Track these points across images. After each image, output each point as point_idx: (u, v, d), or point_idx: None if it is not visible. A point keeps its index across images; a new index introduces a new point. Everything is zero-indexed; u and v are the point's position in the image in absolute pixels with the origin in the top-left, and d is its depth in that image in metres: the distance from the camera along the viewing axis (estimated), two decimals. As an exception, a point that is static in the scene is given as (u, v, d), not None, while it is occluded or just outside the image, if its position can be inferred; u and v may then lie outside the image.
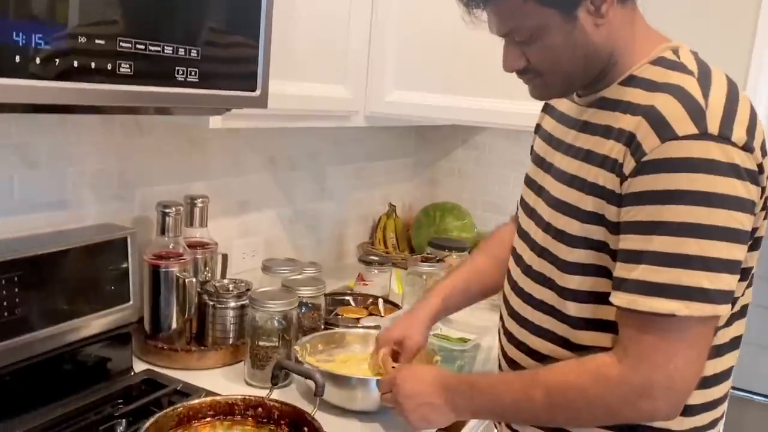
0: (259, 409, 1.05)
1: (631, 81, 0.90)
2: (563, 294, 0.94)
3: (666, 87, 0.85)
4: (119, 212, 1.40)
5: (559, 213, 0.94)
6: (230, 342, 1.41)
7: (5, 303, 1.05)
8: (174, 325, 1.39)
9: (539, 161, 1.05)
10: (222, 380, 1.33)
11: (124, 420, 1.16)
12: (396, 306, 1.67)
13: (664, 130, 0.82)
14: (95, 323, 1.21)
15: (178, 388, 1.23)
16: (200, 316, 1.44)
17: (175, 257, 1.38)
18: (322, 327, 1.46)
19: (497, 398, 0.97)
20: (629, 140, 0.85)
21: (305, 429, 1.00)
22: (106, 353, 1.25)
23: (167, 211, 1.36)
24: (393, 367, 1.15)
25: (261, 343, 1.29)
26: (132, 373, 1.30)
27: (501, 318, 1.11)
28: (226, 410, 1.05)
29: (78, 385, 1.19)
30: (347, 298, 1.70)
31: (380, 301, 1.67)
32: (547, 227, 0.97)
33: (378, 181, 2.33)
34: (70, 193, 1.29)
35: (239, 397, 1.06)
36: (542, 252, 0.97)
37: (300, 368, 1.09)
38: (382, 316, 1.60)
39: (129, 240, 1.26)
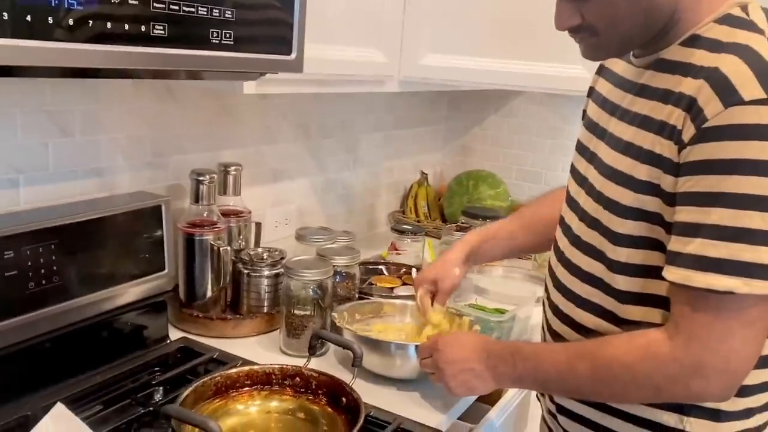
0: (297, 379, 1.04)
1: (694, 41, 0.84)
2: (613, 267, 0.90)
3: (732, 47, 0.79)
4: (153, 180, 1.39)
5: (611, 182, 0.90)
6: (265, 310, 1.40)
7: (43, 271, 1.05)
8: (209, 294, 1.38)
9: (592, 126, 1.00)
10: (257, 349, 1.32)
11: (161, 388, 1.17)
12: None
13: (728, 94, 0.76)
14: (131, 291, 1.21)
15: (215, 356, 1.23)
16: (235, 285, 1.44)
17: (209, 225, 1.36)
18: (357, 296, 1.44)
19: (540, 367, 0.94)
20: (689, 105, 0.80)
21: (343, 399, 0.99)
22: (142, 321, 1.25)
23: (201, 179, 1.35)
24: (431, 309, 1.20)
25: (296, 312, 1.28)
26: (168, 341, 1.30)
27: (546, 289, 1.07)
28: (264, 380, 1.04)
29: (115, 353, 1.20)
30: (380, 267, 1.68)
31: (414, 270, 1.64)
32: (598, 196, 0.93)
33: (410, 149, 2.29)
34: (104, 161, 1.28)
35: (276, 366, 1.05)
36: (592, 222, 0.93)
37: (338, 338, 1.07)
38: (416, 286, 1.58)
39: (163, 208, 1.25)
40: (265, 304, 1.41)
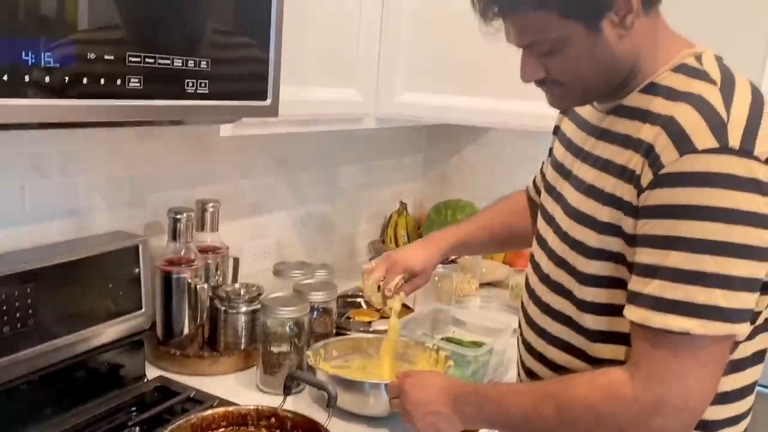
0: (273, 419, 1.06)
1: (652, 88, 0.88)
2: (581, 306, 0.93)
3: (686, 96, 0.83)
4: (131, 218, 1.40)
5: (576, 223, 0.93)
6: (242, 347, 1.41)
7: (18, 314, 1.06)
8: (186, 331, 1.39)
9: (558, 167, 1.04)
10: (235, 386, 1.33)
11: (137, 428, 1.17)
12: (408, 308, 1.67)
13: (683, 142, 0.80)
14: (108, 331, 1.22)
15: (191, 395, 1.24)
16: (212, 322, 1.45)
17: (186, 263, 1.38)
18: (334, 332, 1.46)
19: (506, 410, 0.96)
20: (647, 151, 0.83)
21: (318, 441, 1.00)
22: (119, 360, 1.25)
23: (178, 217, 1.36)
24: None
25: (273, 349, 1.30)
26: (145, 380, 1.30)
27: (519, 326, 1.10)
28: (239, 420, 1.05)
29: (91, 394, 1.20)
30: (358, 300, 1.70)
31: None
32: (564, 237, 0.96)
33: (389, 179, 2.32)
34: (82, 201, 1.30)
35: (252, 407, 1.06)
36: (560, 262, 0.96)
37: (312, 378, 1.08)
38: (393, 319, 1.60)
39: (140, 248, 1.26)
40: (243, 340, 1.42)
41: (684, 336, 0.80)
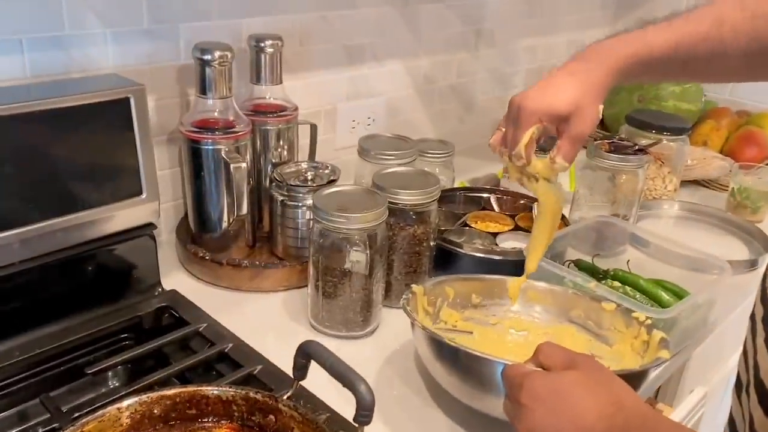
0: (270, 418, 0.61)
1: None
2: None
3: None
4: (152, 56, 0.96)
5: None
6: (304, 257, 0.97)
7: None
8: (222, 226, 0.97)
9: None
10: (277, 315, 0.92)
11: (120, 368, 0.81)
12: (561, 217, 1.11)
13: None
14: (97, 221, 0.82)
15: (200, 329, 0.83)
16: (270, 216, 1.02)
17: (224, 128, 0.93)
18: (433, 250, 0.95)
19: None
20: None
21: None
22: (114, 263, 0.87)
23: (206, 58, 0.90)
24: None
25: (330, 271, 0.84)
26: (157, 292, 0.92)
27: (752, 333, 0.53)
28: (220, 411, 0.62)
29: (75, 306, 0.84)
30: (487, 196, 1.16)
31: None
32: None
33: (563, 22, 1.66)
34: (70, 27, 0.86)
35: (240, 393, 0.62)
36: None
37: (334, 364, 0.56)
38: (535, 233, 1.06)
39: (132, 102, 0.82)
40: (307, 245, 0.98)
41: None
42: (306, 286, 0.94)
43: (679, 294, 0.91)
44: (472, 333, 0.84)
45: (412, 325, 0.75)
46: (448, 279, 0.86)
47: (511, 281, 0.85)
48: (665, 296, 0.90)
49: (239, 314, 0.89)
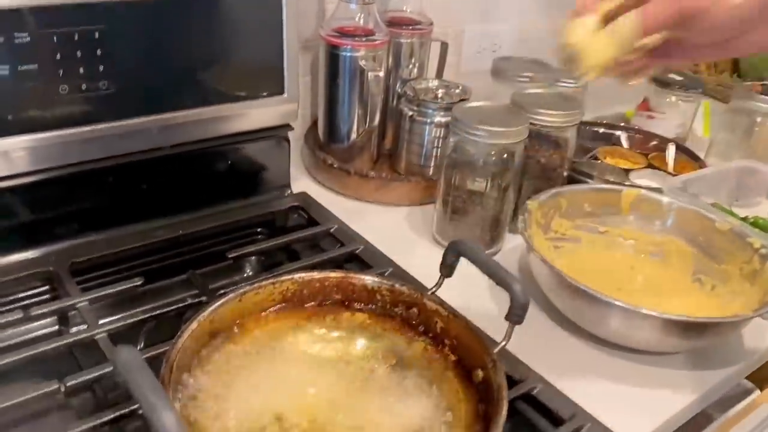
0: (414, 311, 0.62)
1: None
2: None
3: None
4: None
5: None
6: (430, 173, 0.97)
7: (82, 70, 0.70)
8: (353, 136, 0.98)
9: None
10: (399, 227, 0.92)
11: (254, 258, 0.84)
12: (696, 159, 1.05)
13: None
14: (233, 116, 0.84)
15: (331, 230, 0.85)
16: (395, 130, 1.02)
17: (363, 36, 0.93)
18: (565, 177, 0.93)
19: None
20: None
21: (479, 373, 0.55)
22: (246, 161, 0.90)
23: (355, -38, 0.89)
24: None
25: (461, 186, 0.84)
26: (288, 193, 0.94)
27: None
28: (364, 297, 0.63)
29: (205, 199, 0.87)
30: (618, 133, 1.12)
31: (670, 147, 1.06)
32: None
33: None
34: None
35: (385, 284, 0.63)
36: None
37: (487, 263, 0.57)
38: (669, 173, 1.01)
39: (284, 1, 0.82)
40: (431, 163, 0.98)
41: None
42: (428, 203, 0.95)
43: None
44: (580, 240, 0.84)
45: (527, 249, 0.74)
46: (562, 191, 0.85)
47: (626, 191, 0.84)
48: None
49: (363, 222, 0.90)
